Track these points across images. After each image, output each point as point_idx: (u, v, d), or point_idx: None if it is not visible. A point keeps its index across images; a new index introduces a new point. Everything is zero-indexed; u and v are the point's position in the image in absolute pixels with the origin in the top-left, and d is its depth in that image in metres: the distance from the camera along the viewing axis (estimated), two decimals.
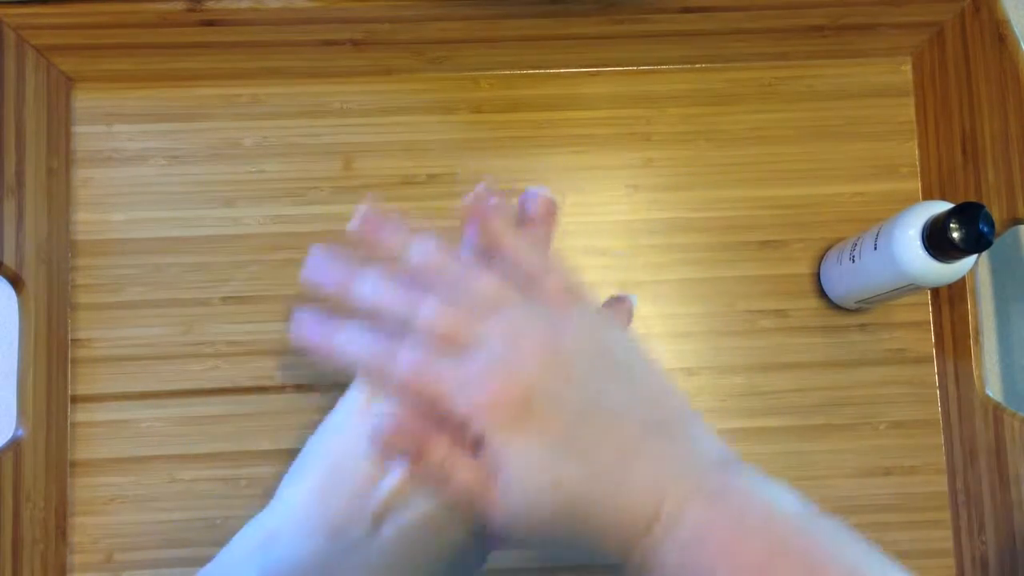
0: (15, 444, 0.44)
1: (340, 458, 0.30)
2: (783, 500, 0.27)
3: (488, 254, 0.32)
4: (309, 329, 0.30)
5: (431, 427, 0.28)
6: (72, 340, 0.49)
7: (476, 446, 0.28)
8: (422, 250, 0.31)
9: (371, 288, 0.30)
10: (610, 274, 0.51)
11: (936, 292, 0.51)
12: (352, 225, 0.31)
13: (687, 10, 0.47)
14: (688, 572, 0.26)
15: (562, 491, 0.27)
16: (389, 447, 0.28)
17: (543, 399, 0.27)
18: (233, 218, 0.50)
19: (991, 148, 0.46)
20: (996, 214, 0.45)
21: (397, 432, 0.28)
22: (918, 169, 0.52)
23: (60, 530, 0.47)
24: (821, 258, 0.51)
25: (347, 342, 0.29)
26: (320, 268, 0.31)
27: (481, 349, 0.28)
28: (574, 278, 0.32)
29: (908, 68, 0.53)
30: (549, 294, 0.31)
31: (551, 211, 0.35)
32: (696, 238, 0.51)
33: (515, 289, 0.30)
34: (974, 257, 0.41)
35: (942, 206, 0.40)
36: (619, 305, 0.36)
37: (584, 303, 0.32)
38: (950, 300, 0.49)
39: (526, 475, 0.27)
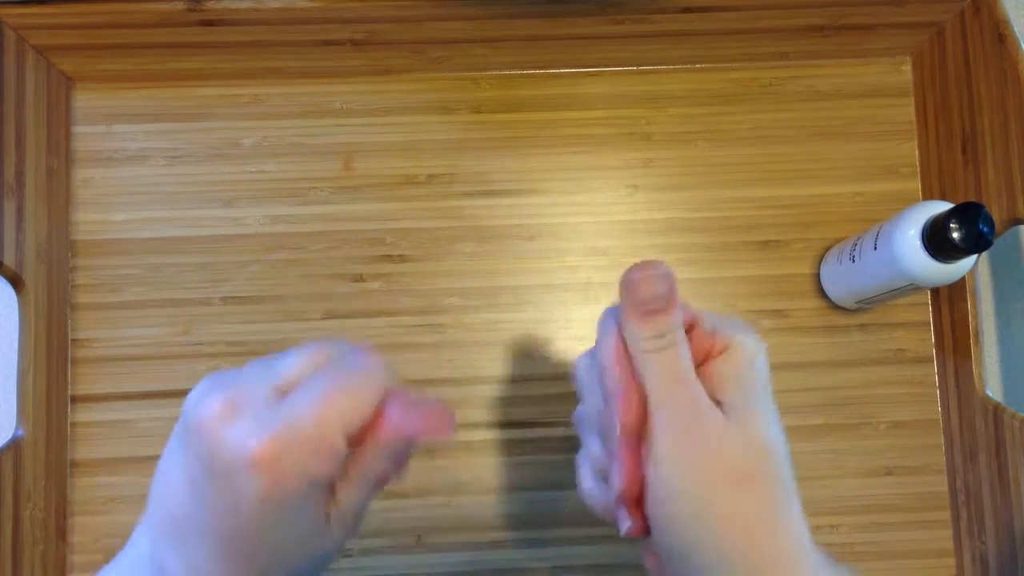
0: (15, 444, 0.44)
1: None
2: None
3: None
4: None
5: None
6: (72, 340, 0.49)
7: None
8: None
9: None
10: (610, 274, 0.51)
11: (936, 292, 0.51)
12: None
13: (687, 10, 0.47)
14: None
15: None
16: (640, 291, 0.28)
17: None
18: (233, 218, 0.50)
19: (991, 148, 0.46)
20: (996, 214, 0.45)
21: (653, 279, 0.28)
22: (918, 169, 0.52)
23: (60, 530, 0.47)
24: (821, 258, 0.51)
25: None
26: None
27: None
28: None
29: (908, 68, 0.53)
30: None
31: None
32: (696, 238, 0.51)
33: None
34: (974, 257, 0.41)
35: (942, 206, 0.40)
36: None
37: None
38: (950, 300, 0.49)
39: None
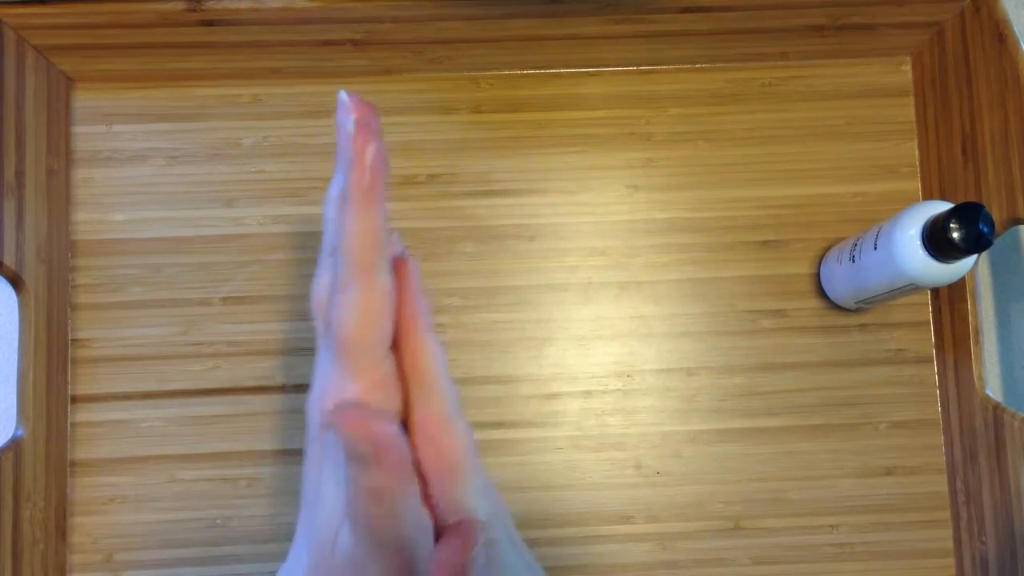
0: (15, 444, 0.44)
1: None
2: None
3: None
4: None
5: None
6: (72, 340, 0.49)
7: None
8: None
9: None
10: (610, 274, 0.51)
11: (936, 292, 0.51)
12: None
13: (687, 10, 0.47)
14: None
15: None
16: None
17: None
18: (233, 218, 0.50)
19: (991, 148, 0.46)
20: (996, 214, 0.45)
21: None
22: (918, 169, 0.52)
23: (60, 530, 0.47)
24: (821, 258, 0.51)
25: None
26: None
27: None
28: None
29: (908, 68, 0.53)
30: None
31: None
32: (696, 238, 0.51)
33: None
34: (974, 257, 0.41)
35: (942, 206, 0.40)
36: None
37: None
38: (950, 300, 0.49)
39: None
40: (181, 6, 0.45)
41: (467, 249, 0.51)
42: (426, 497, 0.23)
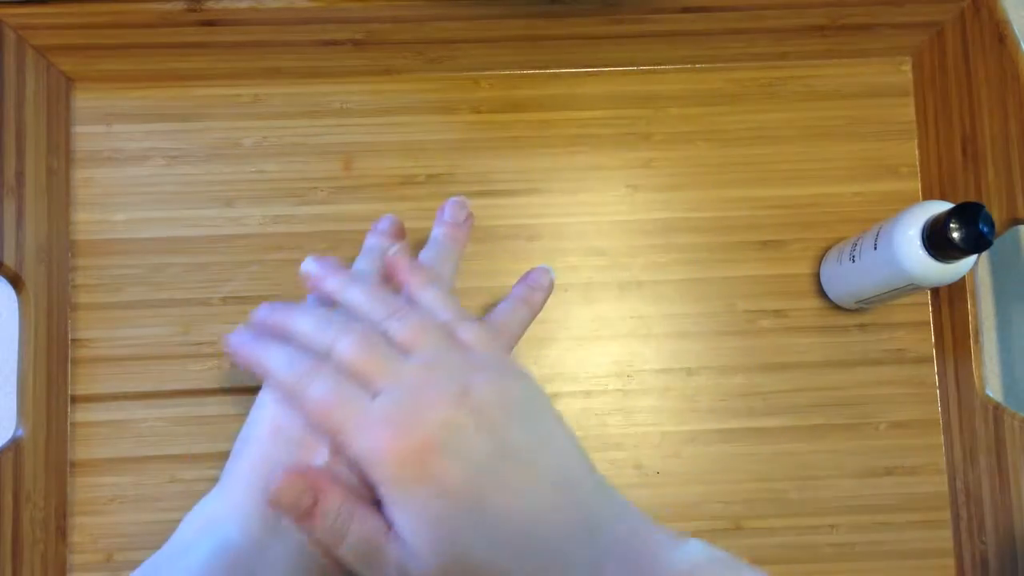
0: (15, 444, 0.44)
1: (271, 444, 0.31)
2: None
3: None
4: (241, 340, 0.31)
5: (328, 476, 0.28)
6: (72, 340, 0.49)
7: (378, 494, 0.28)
8: (355, 290, 0.33)
9: (303, 318, 0.31)
10: (610, 274, 0.51)
11: (936, 292, 0.51)
12: (302, 270, 0.35)
13: (687, 10, 0.47)
14: None
15: (460, 549, 0.26)
16: (280, 502, 0.27)
17: (442, 451, 0.26)
18: (233, 218, 0.50)
19: (991, 148, 0.46)
20: (996, 214, 0.45)
21: (288, 484, 0.27)
22: (918, 169, 0.52)
23: (60, 530, 0.47)
24: (821, 258, 0.51)
25: (270, 358, 0.30)
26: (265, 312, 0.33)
27: (387, 393, 0.28)
28: (487, 325, 0.34)
29: (908, 68, 0.53)
30: (463, 342, 0.31)
31: (466, 220, 0.41)
32: (696, 238, 0.51)
33: (435, 334, 0.31)
34: (974, 257, 0.41)
35: (942, 206, 0.40)
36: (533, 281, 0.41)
37: (497, 351, 0.32)
38: (950, 300, 0.49)
39: (419, 531, 0.26)
40: (181, 6, 0.45)
41: (467, 249, 0.51)
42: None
